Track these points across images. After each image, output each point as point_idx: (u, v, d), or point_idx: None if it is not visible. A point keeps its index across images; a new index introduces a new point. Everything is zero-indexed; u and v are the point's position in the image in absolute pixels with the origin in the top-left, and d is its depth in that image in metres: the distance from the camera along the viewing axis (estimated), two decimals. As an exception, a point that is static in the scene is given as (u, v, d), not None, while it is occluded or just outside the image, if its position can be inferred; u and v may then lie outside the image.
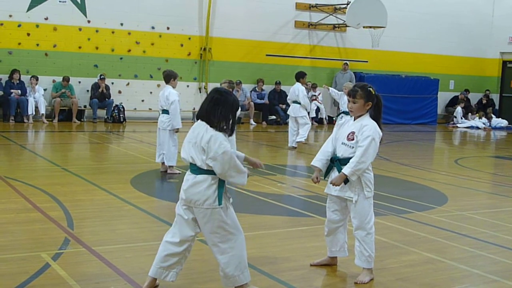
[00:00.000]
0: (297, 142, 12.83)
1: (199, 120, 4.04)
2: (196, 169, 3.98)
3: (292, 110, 13.01)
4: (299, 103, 12.84)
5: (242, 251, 4.04)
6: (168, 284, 4.23)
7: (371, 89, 4.66)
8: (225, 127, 3.96)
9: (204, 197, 3.93)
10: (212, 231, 3.98)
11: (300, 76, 13.04)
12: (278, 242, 5.71)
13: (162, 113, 9.10)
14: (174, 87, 9.08)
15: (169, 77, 9.07)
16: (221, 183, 3.97)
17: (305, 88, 19.79)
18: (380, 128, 4.63)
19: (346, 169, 4.51)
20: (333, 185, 4.62)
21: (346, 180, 4.55)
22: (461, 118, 22.51)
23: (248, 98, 19.16)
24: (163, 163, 9.14)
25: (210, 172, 3.94)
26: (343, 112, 13.35)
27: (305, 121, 12.98)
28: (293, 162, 11.55)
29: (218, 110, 3.96)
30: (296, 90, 12.89)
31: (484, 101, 24.00)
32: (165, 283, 4.18)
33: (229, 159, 3.88)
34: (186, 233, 4.06)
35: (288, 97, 13.59)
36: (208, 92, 4.10)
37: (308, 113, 13.57)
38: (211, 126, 3.94)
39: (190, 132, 4.05)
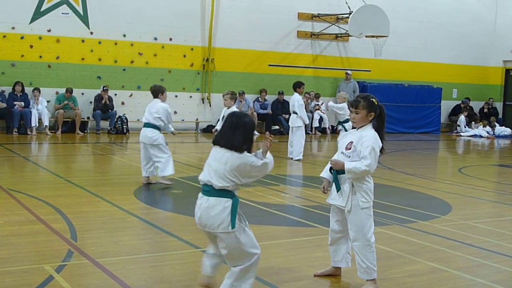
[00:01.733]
0: (296, 160, 12.64)
1: (221, 148, 4.03)
2: (209, 191, 4.00)
3: (291, 121, 12.92)
4: (296, 114, 12.66)
5: (256, 267, 4.09)
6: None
7: (373, 99, 4.66)
8: (247, 148, 4.01)
9: (218, 222, 3.95)
10: (227, 251, 4.01)
11: (297, 86, 12.90)
12: (281, 252, 5.70)
13: (146, 126, 8.99)
14: (163, 101, 9.11)
15: (157, 93, 9.09)
16: (235, 206, 3.98)
17: (305, 97, 19.94)
18: (383, 138, 4.63)
19: (348, 164, 4.51)
20: (331, 163, 4.64)
21: (338, 187, 4.58)
22: (465, 127, 22.47)
23: (251, 108, 19.18)
24: (148, 177, 9.01)
25: (223, 194, 3.96)
26: (339, 122, 13.32)
27: (299, 133, 12.71)
28: (296, 172, 11.53)
29: (239, 134, 3.99)
30: (293, 100, 12.77)
31: (486, 110, 23.96)
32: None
33: (259, 170, 4.02)
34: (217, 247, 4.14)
35: (290, 108, 13.45)
36: (225, 118, 4.14)
37: (306, 125, 13.36)
38: (233, 150, 3.97)
39: (211, 156, 4.07)
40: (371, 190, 4.62)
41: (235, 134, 3.99)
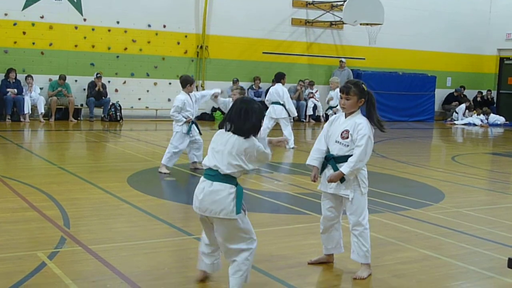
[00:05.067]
0: (291, 148, 12.59)
1: (226, 132, 4.01)
2: (214, 175, 3.94)
3: (274, 112, 12.47)
4: (282, 105, 12.41)
5: (253, 256, 4.08)
6: (163, 282, 4.22)
7: (363, 85, 4.67)
8: (255, 134, 4.00)
9: (221, 207, 3.90)
10: (227, 238, 3.98)
11: (280, 77, 12.69)
12: (274, 239, 5.71)
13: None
14: (190, 92, 9.12)
15: (185, 83, 9.06)
16: (240, 192, 3.94)
17: (299, 85, 19.90)
18: (379, 121, 4.64)
19: (345, 169, 4.51)
20: (329, 182, 4.62)
21: (342, 179, 4.56)
22: (463, 115, 22.49)
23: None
24: (193, 162, 9.32)
25: (228, 180, 3.93)
26: (330, 107, 13.28)
27: (286, 124, 12.59)
28: (289, 160, 11.54)
29: (249, 120, 3.96)
30: (280, 91, 12.45)
31: (479, 99, 23.99)
32: (164, 281, 4.18)
33: (264, 156, 4.02)
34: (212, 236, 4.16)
35: (266, 98, 12.88)
36: (233, 103, 4.11)
37: (293, 118, 13.17)
38: (242, 136, 3.95)
39: (215, 141, 4.04)
40: (366, 176, 4.67)
41: (245, 120, 3.96)
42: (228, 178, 3.92)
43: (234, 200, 3.91)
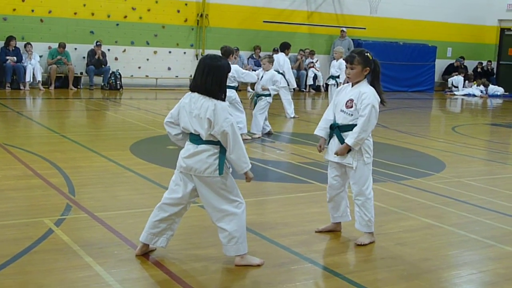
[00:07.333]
0: (292, 117, 12.58)
1: (195, 93, 3.98)
2: (197, 139, 3.97)
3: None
4: (282, 74, 12.21)
5: (244, 220, 4.06)
6: (168, 249, 4.28)
7: (368, 54, 4.65)
8: (220, 93, 3.95)
9: (205, 166, 3.93)
10: (214, 198, 3.99)
11: (285, 47, 12.71)
12: (278, 208, 5.77)
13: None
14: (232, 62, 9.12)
15: (228, 53, 8.96)
16: (223, 152, 3.96)
17: (300, 54, 19.80)
18: (380, 93, 4.64)
19: (349, 140, 4.53)
20: (337, 155, 4.64)
21: (349, 150, 4.58)
22: (463, 87, 22.47)
23: (245, 65, 19.07)
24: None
25: (212, 142, 3.94)
26: (331, 77, 13.27)
27: (285, 93, 12.54)
28: (290, 130, 11.56)
29: (212, 78, 3.91)
30: (282, 61, 12.39)
31: (479, 69, 23.93)
32: (165, 248, 4.23)
33: (233, 136, 3.88)
34: (177, 199, 4.10)
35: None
36: (199, 61, 4.06)
37: (294, 89, 13.10)
38: (208, 96, 3.91)
39: (187, 102, 3.99)
40: (371, 146, 4.68)
41: (206, 76, 3.92)
42: (211, 141, 3.94)
43: (218, 159, 3.93)
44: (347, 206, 4.90)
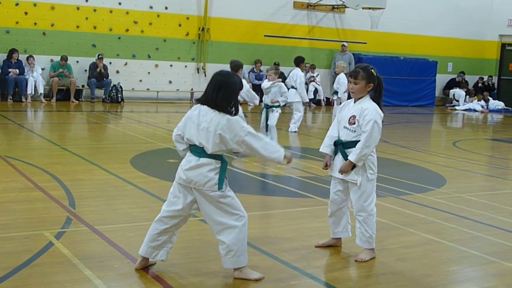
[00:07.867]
0: (292, 132, 12.59)
1: (204, 106, 3.99)
2: (200, 152, 3.96)
3: (289, 95, 12.32)
4: (295, 89, 12.52)
5: (245, 233, 4.05)
6: (168, 263, 4.27)
7: (373, 70, 4.66)
8: (232, 109, 3.97)
9: (205, 179, 3.93)
10: (214, 211, 3.99)
11: (300, 61, 12.84)
12: (278, 222, 5.76)
13: None
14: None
15: (237, 68, 8.99)
16: (223, 168, 3.97)
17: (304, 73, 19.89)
18: (382, 110, 4.65)
19: (352, 156, 4.53)
20: (341, 173, 4.64)
21: (353, 167, 4.58)
22: (464, 102, 22.51)
23: (246, 79, 19.11)
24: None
25: (215, 156, 3.95)
26: (336, 92, 13.32)
27: (299, 108, 12.70)
28: (292, 144, 11.56)
29: (224, 93, 3.94)
30: (295, 76, 12.58)
31: (480, 84, 23.97)
32: (165, 261, 4.22)
33: (254, 139, 3.91)
34: (177, 211, 4.10)
35: (286, 81, 13.08)
36: (212, 76, 4.07)
37: (304, 102, 13.28)
38: (218, 110, 3.93)
39: (196, 114, 3.99)
40: (375, 163, 4.67)
41: (218, 92, 3.94)
42: (214, 155, 3.95)
43: (218, 175, 3.94)
44: (348, 222, 4.89)
